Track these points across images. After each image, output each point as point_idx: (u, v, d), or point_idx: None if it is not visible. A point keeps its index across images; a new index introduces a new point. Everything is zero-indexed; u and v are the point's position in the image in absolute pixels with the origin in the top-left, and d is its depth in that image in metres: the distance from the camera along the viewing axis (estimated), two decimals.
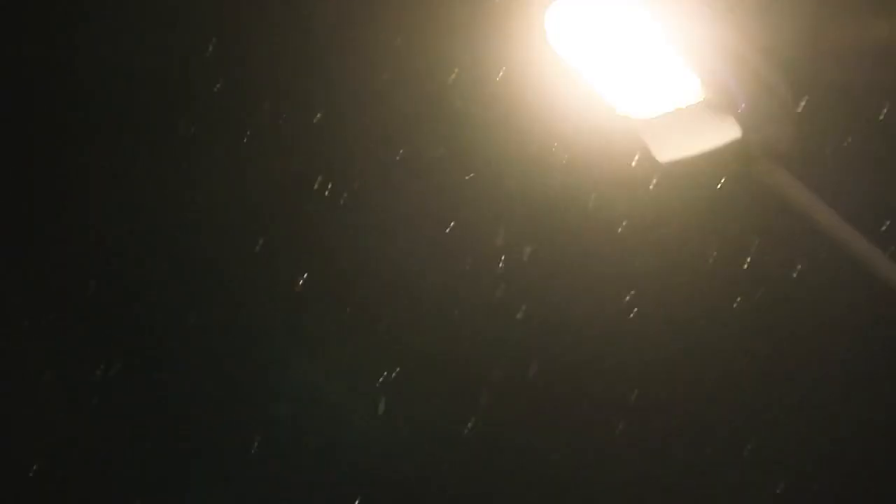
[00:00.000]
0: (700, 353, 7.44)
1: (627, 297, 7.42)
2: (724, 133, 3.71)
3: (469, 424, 7.89)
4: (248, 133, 7.70)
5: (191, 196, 7.90)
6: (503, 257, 7.57)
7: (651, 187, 6.89)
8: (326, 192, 7.73)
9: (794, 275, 7.14)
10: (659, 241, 7.18)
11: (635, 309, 7.42)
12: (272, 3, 7.48)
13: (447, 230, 7.62)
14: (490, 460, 7.95)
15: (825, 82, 6.11)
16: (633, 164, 6.51)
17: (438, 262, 7.69)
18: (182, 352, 8.15)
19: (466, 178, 7.43)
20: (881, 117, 6.45)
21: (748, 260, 7.17)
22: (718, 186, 6.36)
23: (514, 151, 7.15)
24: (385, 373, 7.95)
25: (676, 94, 3.72)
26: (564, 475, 7.84)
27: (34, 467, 8.15)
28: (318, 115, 7.56)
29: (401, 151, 7.51)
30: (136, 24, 7.55)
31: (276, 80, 7.61)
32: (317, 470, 8.16)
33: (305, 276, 7.94)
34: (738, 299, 7.28)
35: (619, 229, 7.19)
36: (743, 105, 3.69)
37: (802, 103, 3.81)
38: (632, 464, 7.73)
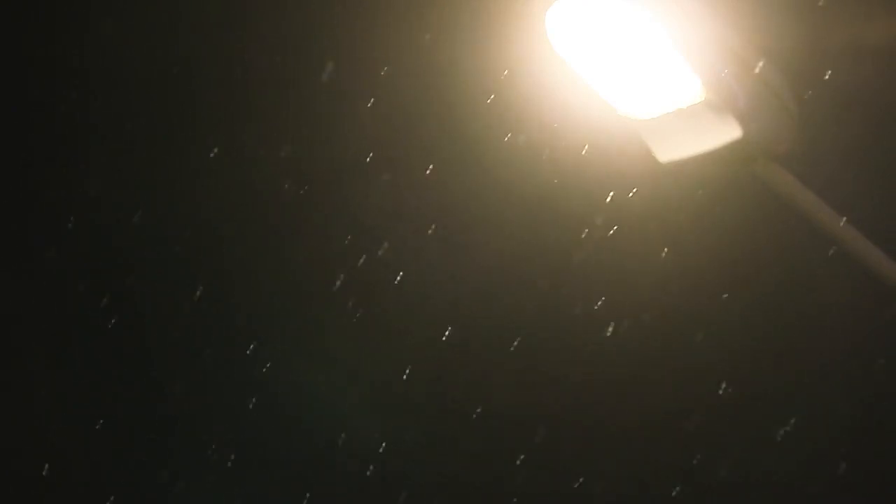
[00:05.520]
0: (700, 352, 7.45)
1: (627, 297, 7.43)
2: (724, 133, 3.72)
3: (470, 424, 7.91)
4: (247, 132, 7.71)
5: (190, 197, 7.91)
6: (501, 257, 7.57)
7: (651, 187, 6.89)
8: (325, 192, 7.74)
9: (795, 275, 7.14)
10: (659, 241, 7.19)
11: (635, 307, 7.43)
12: (272, 1, 7.50)
13: (446, 230, 7.63)
14: (492, 460, 7.96)
15: (825, 82, 6.11)
16: (634, 164, 6.51)
17: (436, 263, 7.70)
18: (181, 351, 8.17)
19: (465, 178, 7.43)
20: (881, 117, 6.45)
21: (749, 260, 7.17)
22: (718, 186, 6.37)
23: (515, 152, 7.16)
24: (385, 373, 7.97)
25: (677, 95, 3.73)
26: (565, 471, 7.86)
27: (33, 468, 8.16)
28: (317, 115, 7.56)
29: (399, 151, 7.52)
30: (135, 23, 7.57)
31: (275, 79, 7.62)
32: (317, 470, 8.18)
33: (305, 277, 7.95)
34: (739, 299, 7.29)
35: (619, 229, 7.19)
36: (743, 105, 3.69)
37: (802, 103, 3.82)
38: (630, 462, 7.74)
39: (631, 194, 6.93)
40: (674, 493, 7.69)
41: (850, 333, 7.13)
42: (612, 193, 7.01)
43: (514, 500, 7.97)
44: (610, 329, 7.50)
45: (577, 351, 7.64)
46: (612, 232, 7.19)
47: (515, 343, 7.73)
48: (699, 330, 7.38)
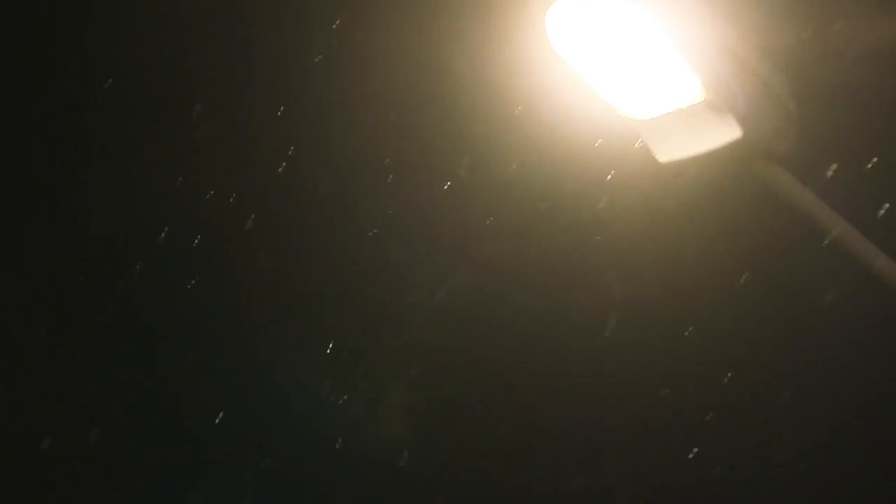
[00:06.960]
0: (699, 351, 7.45)
1: (628, 297, 7.43)
2: (724, 133, 3.72)
3: (472, 424, 7.91)
4: (247, 131, 7.71)
5: (189, 196, 7.92)
6: (501, 258, 7.58)
7: (652, 187, 6.90)
8: (322, 192, 7.75)
9: (794, 274, 7.15)
10: (659, 241, 7.19)
11: (636, 307, 7.43)
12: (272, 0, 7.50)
13: (446, 230, 7.63)
14: (494, 460, 7.97)
15: (825, 82, 6.11)
16: (634, 164, 6.52)
17: (436, 263, 7.70)
18: (184, 353, 8.17)
19: (465, 178, 7.44)
20: (881, 117, 6.45)
21: (748, 259, 7.18)
22: (718, 186, 6.37)
23: (515, 152, 7.16)
24: (385, 373, 7.97)
25: (677, 95, 3.73)
26: (569, 476, 7.87)
27: (37, 470, 8.16)
28: (318, 115, 7.57)
29: (399, 151, 7.52)
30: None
31: (274, 79, 7.62)
32: (319, 471, 8.18)
33: (306, 277, 7.95)
34: (738, 298, 7.29)
35: (620, 229, 7.20)
36: (743, 105, 3.69)
37: (802, 103, 3.82)
38: (632, 462, 7.75)
39: (631, 194, 6.94)
40: (672, 491, 7.69)
41: (850, 333, 7.13)
42: (612, 193, 7.01)
43: (515, 498, 7.98)
44: (610, 328, 7.50)
45: (579, 349, 7.65)
46: (611, 231, 7.20)
47: (517, 342, 7.73)
48: (699, 329, 7.39)
